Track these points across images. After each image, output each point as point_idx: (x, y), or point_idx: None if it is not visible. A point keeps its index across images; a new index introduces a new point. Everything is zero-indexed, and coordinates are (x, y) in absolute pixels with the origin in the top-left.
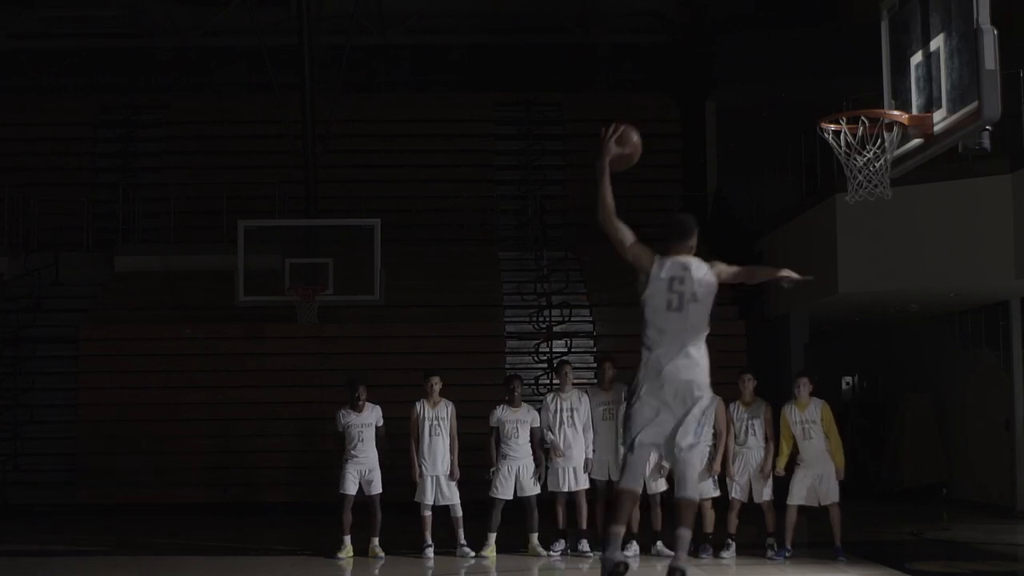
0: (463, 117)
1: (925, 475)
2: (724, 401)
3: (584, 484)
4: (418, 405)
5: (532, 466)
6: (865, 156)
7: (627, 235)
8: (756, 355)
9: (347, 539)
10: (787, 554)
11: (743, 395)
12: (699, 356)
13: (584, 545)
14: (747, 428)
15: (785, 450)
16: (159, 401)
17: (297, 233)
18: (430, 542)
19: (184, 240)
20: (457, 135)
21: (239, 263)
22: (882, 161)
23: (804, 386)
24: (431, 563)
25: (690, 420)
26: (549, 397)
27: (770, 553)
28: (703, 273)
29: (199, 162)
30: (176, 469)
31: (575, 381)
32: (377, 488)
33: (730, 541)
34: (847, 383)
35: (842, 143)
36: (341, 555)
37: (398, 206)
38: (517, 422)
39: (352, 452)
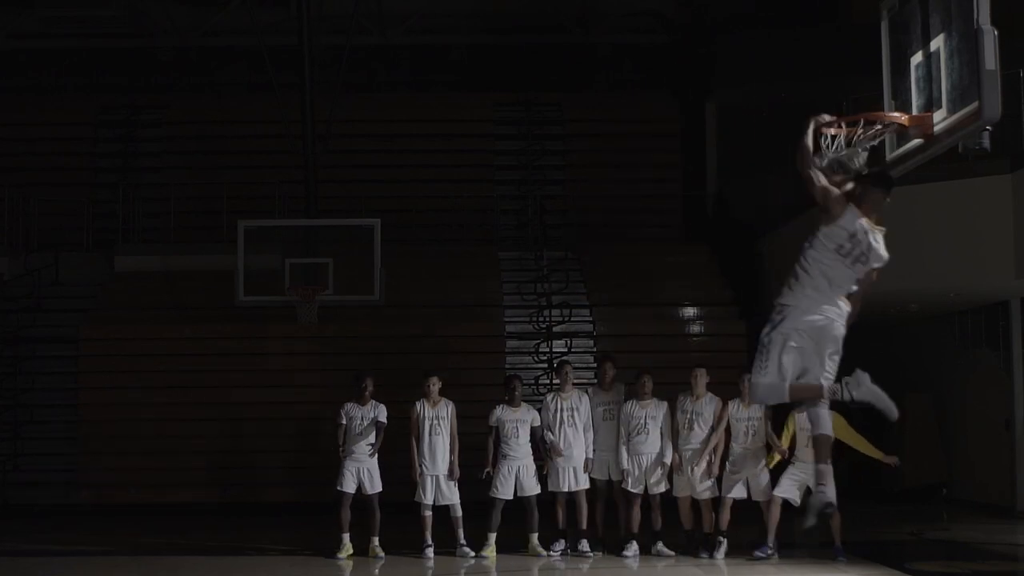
0: (463, 117)
1: (925, 475)
2: (724, 400)
3: (584, 484)
4: (418, 405)
5: (532, 466)
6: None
7: (820, 177)
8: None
9: (346, 537)
10: (769, 551)
11: (744, 396)
12: (845, 310)
13: (584, 545)
14: (747, 429)
15: (784, 445)
16: (159, 401)
17: (297, 233)
18: (430, 542)
19: (184, 240)
20: (457, 135)
21: (239, 263)
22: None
23: None
24: (431, 563)
25: (829, 362)
26: (549, 397)
27: (756, 552)
28: (880, 243)
29: (199, 162)
30: (176, 469)
31: (575, 381)
32: (376, 487)
33: (721, 539)
34: (846, 383)
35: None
36: (341, 555)
37: (398, 206)
38: (517, 422)
39: (352, 447)
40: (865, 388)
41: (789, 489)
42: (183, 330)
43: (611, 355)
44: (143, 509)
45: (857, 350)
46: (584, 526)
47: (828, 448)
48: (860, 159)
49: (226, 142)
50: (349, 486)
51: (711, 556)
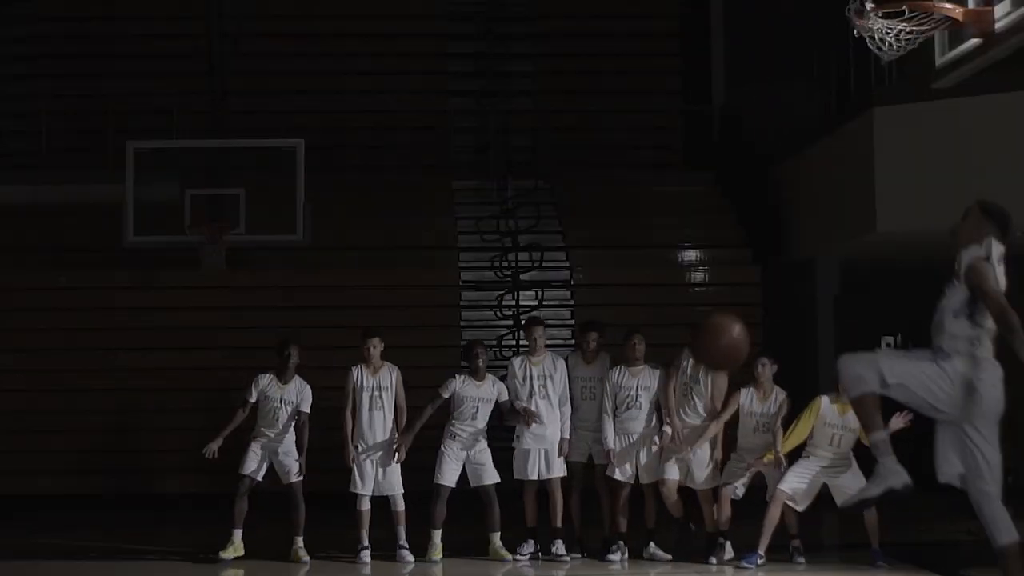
0: (408, 12)
1: None
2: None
3: (559, 472)
4: (354, 371)
5: (487, 450)
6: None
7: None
8: (773, 310)
9: (237, 533)
10: (760, 560)
11: (760, 384)
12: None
13: (559, 547)
14: (757, 424)
15: (795, 441)
16: (29, 368)
17: (200, 157)
18: (367, 543)
19: (57, 166)
20: (401, 34)
21: (128, 195)
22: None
23: None
24: (368, 569)
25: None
26: (517, 361)
27: (743, 562)
28: None
29: (76, 68)
30: (51, 452)
31: (548, 342)
32: (297, 474)
33: (723, 540)
34: (888, 344)
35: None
36: (225, 554)
37: (326, 123)
38: (479, 400)
39: (263, 429)
40: (877, 484)
41: (795, 484)
42: (57, 278)
43: (597, 323)
44: (12, 502)
45: (900, 304)
46: (559, 523)
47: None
48: None
49: (110, 43)
50: (252, 468)
51: (707, 560)
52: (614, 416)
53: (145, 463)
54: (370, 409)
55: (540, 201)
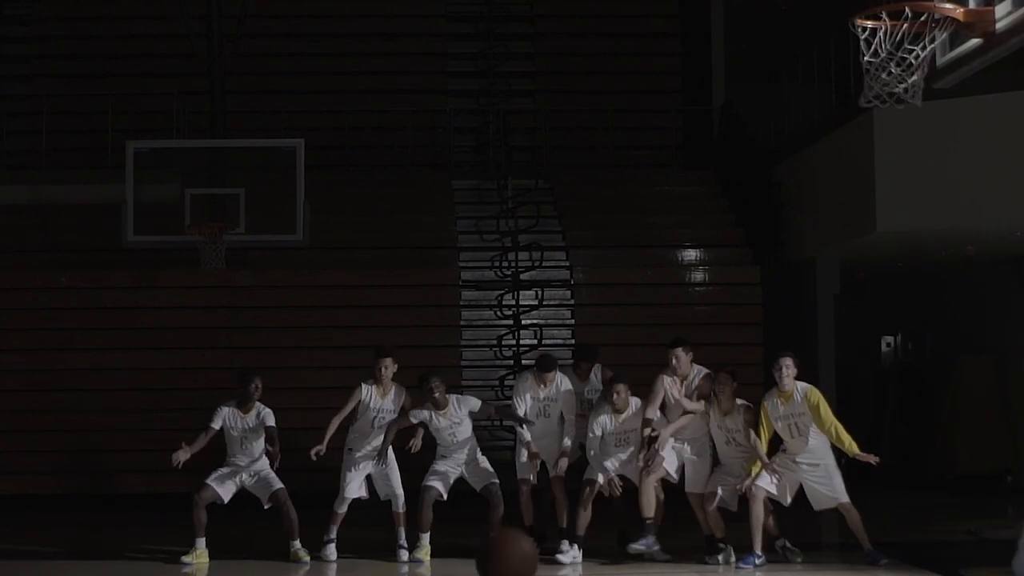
0: (408, 11)
1: (985, 459)
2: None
3: (560, 473)
4: (364, 389)
5: (483, 457)
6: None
7: None
8: (773, 310)
9: (201, 541)
10: (757, 560)
11: (720, 401)
12: None
13: (565, 548)
14: (728, 439)
15: (766, 449)
16: (28, 367)
17: (200, 157)
18: (333, 536)
19: (58, 166)
20: (401, 34)
21: (128, 194)
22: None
23: (788, 369)
24: (334, 565)
25: None
26: (528, 384)
27: (740, 564)
28: None
29: (75, 68)
30: (47, 452)
31: (548, 342)
32: (276, 483)
33: (722, 546)
34: (888, 344)
35: (875, 44)
36: (187, 558)
37: (326, 123)
38: (452, 426)
39: (232, 458)
40: None
41: (771, 482)
42: (58, 278)
43: (591, 352)
44: (7, 501)
45: (901, 303)
46: (564, 523)
47: None
48: None
49: (111, 43)
50: (214, 479)
51: (706, 560)
52: (604, 451)
53: (145, 463)
54: (371, 427)
55: (540, 201)
